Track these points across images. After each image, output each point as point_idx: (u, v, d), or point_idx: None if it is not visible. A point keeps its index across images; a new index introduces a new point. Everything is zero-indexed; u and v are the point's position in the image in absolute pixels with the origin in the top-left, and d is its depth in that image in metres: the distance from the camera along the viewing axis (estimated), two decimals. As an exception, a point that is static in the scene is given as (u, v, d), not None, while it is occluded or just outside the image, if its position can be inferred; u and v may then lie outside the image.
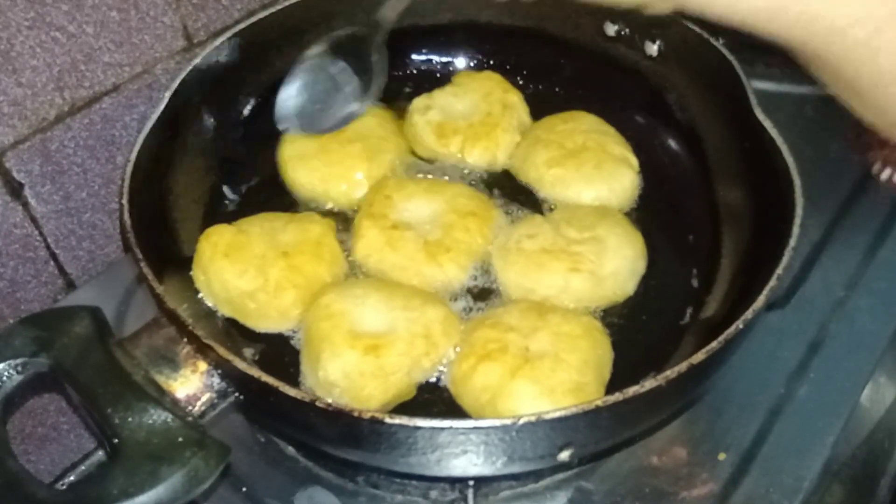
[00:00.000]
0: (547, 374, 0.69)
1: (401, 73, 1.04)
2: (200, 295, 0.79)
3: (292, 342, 0.78)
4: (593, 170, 0.88)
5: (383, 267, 0.81)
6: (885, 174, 1.02)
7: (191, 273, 0.79)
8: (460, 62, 1.05)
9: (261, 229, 0.81)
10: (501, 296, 0.81)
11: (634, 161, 0.90)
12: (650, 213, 0.89)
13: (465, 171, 0.92)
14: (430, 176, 0.92)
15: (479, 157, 0.92)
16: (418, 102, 0.96)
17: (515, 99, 0.96)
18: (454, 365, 0.73)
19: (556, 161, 0.88)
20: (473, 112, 0.94)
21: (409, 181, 0.89)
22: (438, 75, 1.03)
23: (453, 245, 0.81)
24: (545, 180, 0.88)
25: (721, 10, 0.58)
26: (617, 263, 0.79)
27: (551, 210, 0.88)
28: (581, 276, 0.78)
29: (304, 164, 0.89)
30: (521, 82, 0.99)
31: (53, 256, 0.92)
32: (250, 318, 0.78)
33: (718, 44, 0.86)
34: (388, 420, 0.58)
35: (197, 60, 0.86)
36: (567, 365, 0.70)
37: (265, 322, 0.78)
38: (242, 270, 0.77)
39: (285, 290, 0.77)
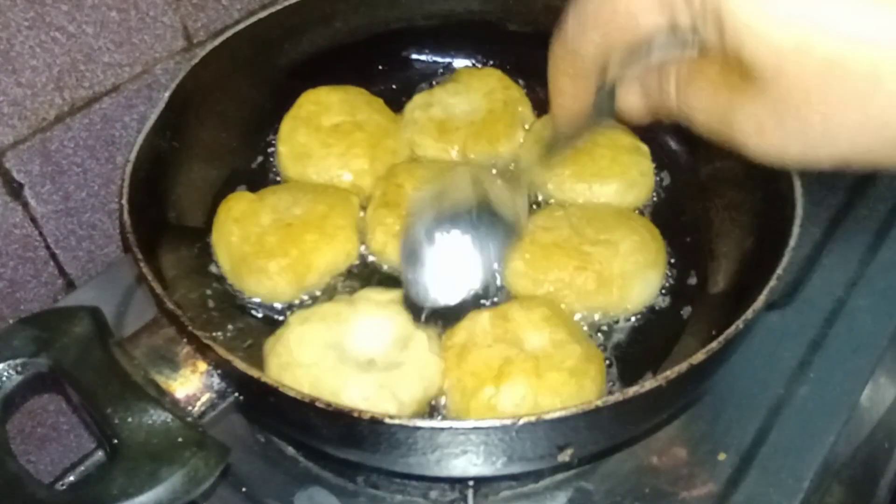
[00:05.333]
0: (560, 358, 0.70)
1: (401, 73, 1.04)
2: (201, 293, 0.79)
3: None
4: (611, 164, 0.87)
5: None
6: None
7: (190, 274, 0.79)
8: (460, 62, 1.04)
9: (278, 199, 0.82)
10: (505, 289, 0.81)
11: (645, 148, 0.90)
12: (650, 213, 0.88)
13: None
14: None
15: (481, 155, 0.92)
16: (419, 99, 0.96)
17: (517, 96, 0.95)
18: (470, 403, 0.69)
19: (571, 160, 0.87)
20: (475, 110, 0.94)
21: (417, 167, 0.88)
22: (439, 75, 1.03)
23: None
24: (564, 183, 0.87)
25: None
26: (626, 269, 0.78)
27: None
28: (585, 274, 0.78)
29: (306, 160, 0.89)
30: (520, 82, 0.98)
31: (53, 256, 0.92)
32: (244, 285, 0.79)
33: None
34: (388, 420, 0.58)
35: (196, 61, 0.86)
36: (566, 342, 0.71)
37: (257, 288, 0.78)
38: (246, 235, 0.79)
39: (275, 257, 0.78)
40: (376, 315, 0.74)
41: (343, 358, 0.71)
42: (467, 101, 0.95)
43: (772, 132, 0.47)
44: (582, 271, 0.78)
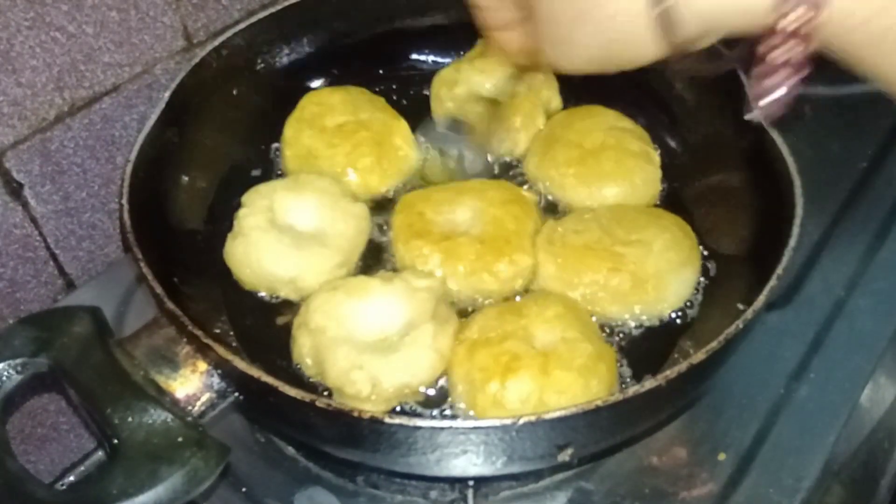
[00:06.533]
0: (570, 356, 0.69)
1: (401, 74, 1.04)
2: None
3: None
4: (615, 167, 0.87)
5: (446, 280, 0.79)
6: None
7: (191, 273, 0.79)
8: (459, 62, 1.04)
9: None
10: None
11: (655, 156, 0.90)
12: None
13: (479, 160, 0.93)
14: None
15: (502, 139, 0.92)
16: (446, 74, 0.95)
17: (542, 78, 0.95)
18: (477, 397, 0.69)
19: (576, 162, 0.87)
20: (499, 92, 0.92)
21: (431, 192, 0.87)
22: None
23: (511, 236, 0.81)
24: (566, 182, 0.87)
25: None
26: (660, 267, 0.77)
27: (564, 213, 0.88)
28: (620, 276, 0.77)
29: (313, 161, 0.89)
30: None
31: (53, 256, 0.92)
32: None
33: (718, 44, 0.86)
34: (388, 420, 0.58)
35: (196, 61, 0.86)
36: (577, 340, 0.71)
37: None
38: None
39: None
40: (400, 296, 0.74)
41: (347, 331, 0.72)
42: (492, 82, 0.92)
43: (549, 47, 0.61)
44: (616, 272, 0.77)
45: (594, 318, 0.78)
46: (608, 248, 0.79)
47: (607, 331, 0.78)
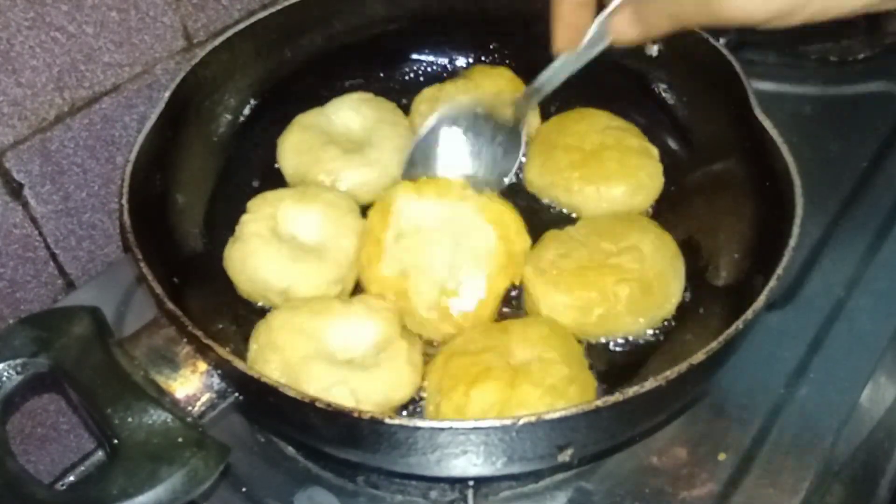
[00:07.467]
0: (541, 375, 0.69)
1: (401, 74, 1.04)
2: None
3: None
4: (619, 167, 0.86)
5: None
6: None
7: (188, 274, 0.79)
8: (461, 62, 1.04)
9: None
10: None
11: (654, 151, 0.90)
12: (650, 215, 0.88)
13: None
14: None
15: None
16: (428, 93, 0.95)
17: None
18: (441, 403, 0.70)
19: (579, 163, 0.87)
20: None
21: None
22: (439, 75, 1.03)
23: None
24: (572, 185, 0.87)
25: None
26: (659, 267, 0.78)
27: (562, 214, 0.88)
28: (629, 285, 0.76)
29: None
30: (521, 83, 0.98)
31: (53, 256, 0.92)
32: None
33: (718, 44, 0.86)
34: (388, 420, 0.58)
35: (196, 61, 0.86)
36: (553, 362, 0.70)
37: None
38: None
39: None
40: (364, 316, 0.74)
41: (318, 349, 0.71)
42: None
43: None
44: (625, 283, 0.76)
45: (616, 337, 0.78)
46: (603, 262, 0.78)
47: (622, 341, 0.78)
